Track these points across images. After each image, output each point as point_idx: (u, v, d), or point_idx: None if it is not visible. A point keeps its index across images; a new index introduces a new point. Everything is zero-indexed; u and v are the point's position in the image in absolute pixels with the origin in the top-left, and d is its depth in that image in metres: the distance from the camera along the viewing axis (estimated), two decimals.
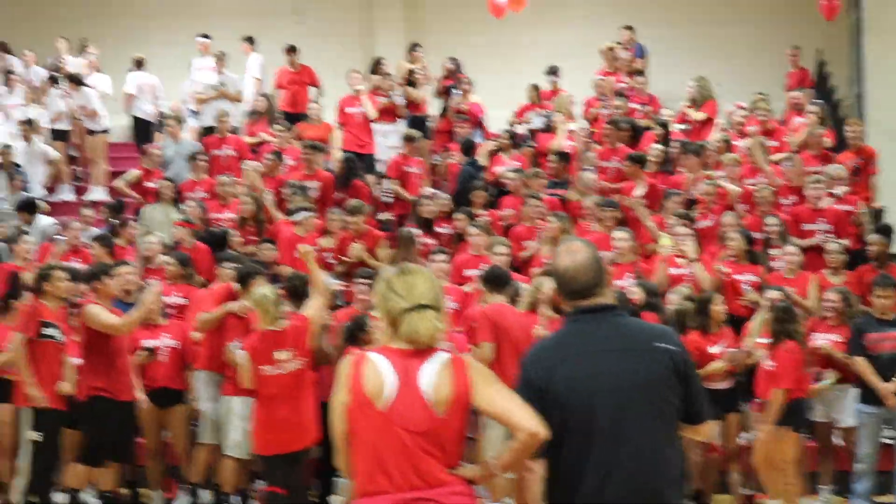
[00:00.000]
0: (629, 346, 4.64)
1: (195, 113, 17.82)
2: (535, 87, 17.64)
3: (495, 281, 10.24)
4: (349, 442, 4.59)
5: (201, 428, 10.94)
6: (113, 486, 10.58)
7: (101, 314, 9.95)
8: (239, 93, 17.75)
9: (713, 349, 10.61)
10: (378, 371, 4.55)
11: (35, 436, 9.87)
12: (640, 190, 13.81)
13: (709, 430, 5.04)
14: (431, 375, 4.54)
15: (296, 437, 9.44)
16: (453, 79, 17.64)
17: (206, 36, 18.49)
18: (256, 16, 21.11)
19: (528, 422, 4.45)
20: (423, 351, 4.59)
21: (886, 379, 10.44)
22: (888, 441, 10.97)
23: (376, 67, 17.36)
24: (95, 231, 13.97)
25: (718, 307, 10.81)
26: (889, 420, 10.66)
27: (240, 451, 10.37)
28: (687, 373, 4.68)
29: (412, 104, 17.22)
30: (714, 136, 15.53)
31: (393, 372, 4.54)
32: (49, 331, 9.95)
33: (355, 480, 4.59)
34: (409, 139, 15.64)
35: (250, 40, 18.60)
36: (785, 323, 10.16)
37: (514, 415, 4.48)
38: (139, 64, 18.60)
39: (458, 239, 13.58)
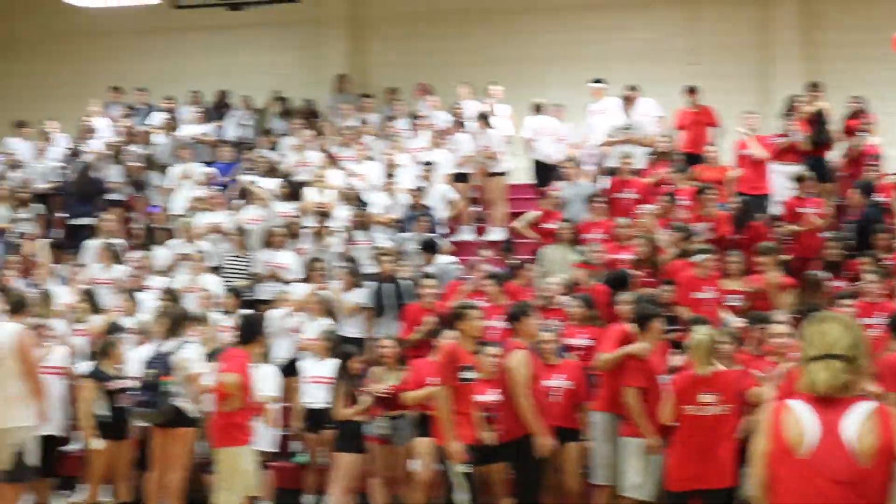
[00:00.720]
0: None
1: (592, 157, 18.02)
2: None
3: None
4: (769, 489, 4.59)
5: (597, 469, 11.07)
6: None
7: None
8: (645, 136, 17.83)
9: None
10: (799, 418, 4.54)
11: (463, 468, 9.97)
12: None
13: None
14: (855, 424, 4.49)
15: (710, 474, 9.46)
16: (859, 118, 17.15)
17: (598, 81, 18.70)
18: (652, 59, 21.24)
19: None
20: (846, 399, 4.54)
21: None
22: None
23: (791, 107, 17.12)
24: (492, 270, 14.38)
25: None
26: None
27: (639, 493, 10.42)
28: None
29: (818, 145, 16.83)
30: None
31: (815, 420, 4.52)
32: (466, 374, 10.06)
33: None
34: (799, 179, 15.38)
35: (634, 88, 18.60)
36: None
37: None
38: (538, 108, 19.02)
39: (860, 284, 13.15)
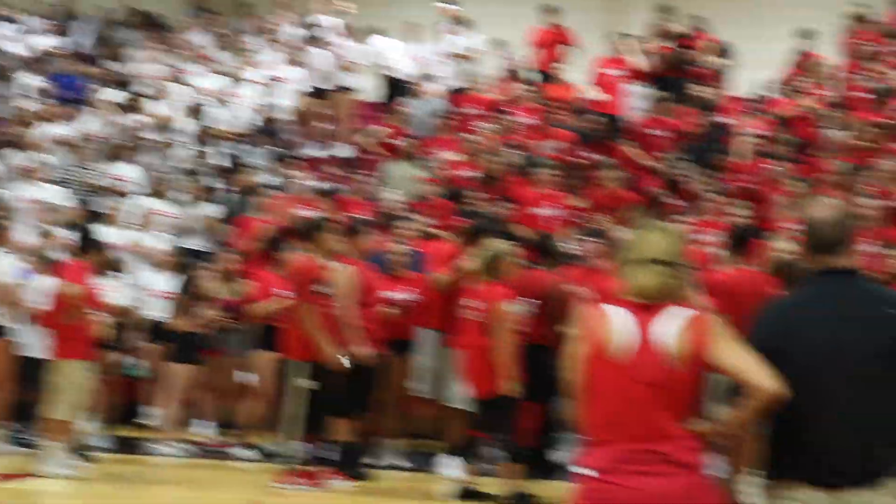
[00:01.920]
0: (866, 312, 4.57)
1: (436, 75, 18.00)
2: (800, 54, 17.22)
3: (740, 240, 9.92)
4: (583, 392, 4.69)
5: (422, 382, 11.23)
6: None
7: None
8: (476, 52, 17.87)
9: None
10: (616, 323, 4.60)
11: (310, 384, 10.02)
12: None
13: None
14: (670, 329, 4.56)
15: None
16: (697, 38, 17.50)
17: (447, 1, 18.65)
18: None
19: (767, 381, 4.41)
20: (661, 305, 4.63)
21: None
22: None
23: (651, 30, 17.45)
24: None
25: None
26: None
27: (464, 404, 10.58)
28: None
29: (672, 67, 17.11)
30: None
31: (631, 324, 4.60)
32: (319, 288, 10.04)
33: (587, 430, 4.67)
34: (654, 100, 15.66)
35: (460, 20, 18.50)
36: None
37: (751, 373, 4.44)
38: (384, 30, 18.92)
39: (699, 202, 13.43)
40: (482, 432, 9.77)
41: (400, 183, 14.36)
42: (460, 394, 10.28)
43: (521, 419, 10.37)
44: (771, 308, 4.81)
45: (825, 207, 4.72)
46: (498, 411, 9.59)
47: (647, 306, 4.59)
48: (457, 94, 16.70)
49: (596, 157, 14.34)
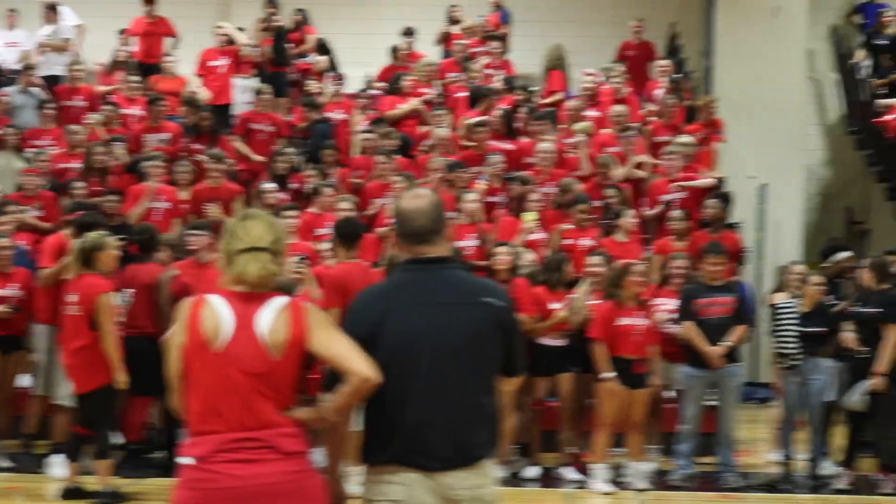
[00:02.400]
0: (457, 299, 4.72)
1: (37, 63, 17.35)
2: (396, 49, 17.67)
3: (350, 234, 10.01)
4: (184, 382, 4.65)
5: (37, 379, 10.96)
6: None
7: None
8: (67, 41, 17.43)
9: (555, 305, 10.89)
10: (216, 313, 4.61)
11: None
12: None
13: (516, 383, 5.22)
14: (269, 318, 4.60)
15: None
16: (300, 32, 17.65)
17: None
18: None
19: (363, 367, 4.52)
20: (261, 295, 4.66)
21: (713, 343, 10.74)
22: (712, 404, 11.27)
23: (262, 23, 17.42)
24: None
25: (568, 268, 11.14)
26: (714, 383, 10.97)
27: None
28: (510, 328, 4.82)
29: (276, 61, 17.18)
30: (570, 104, 15.67)
31: (231, 314, 4.60)
32: None
33: (189, 420, 4.65)
34: (257, 92, 15.69)
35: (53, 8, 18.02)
36: (610, 285, 10.53)
37: (347, 359, 4.54)
38: None
39: (308, 196, 13.61)
40: (84, 428, 9.57)
41: (3, 175, 13.80)
42: (68, 390, 10.06)
43: (129, 413, 10.27)
44: (363, 296, 4.89)
45: (416, 198, 4.87)
46: (98, 406, 9.46)
47: (248, 296, 4.65)
48: (60, 85, 16.18)
49: (203, 149, 14.25)
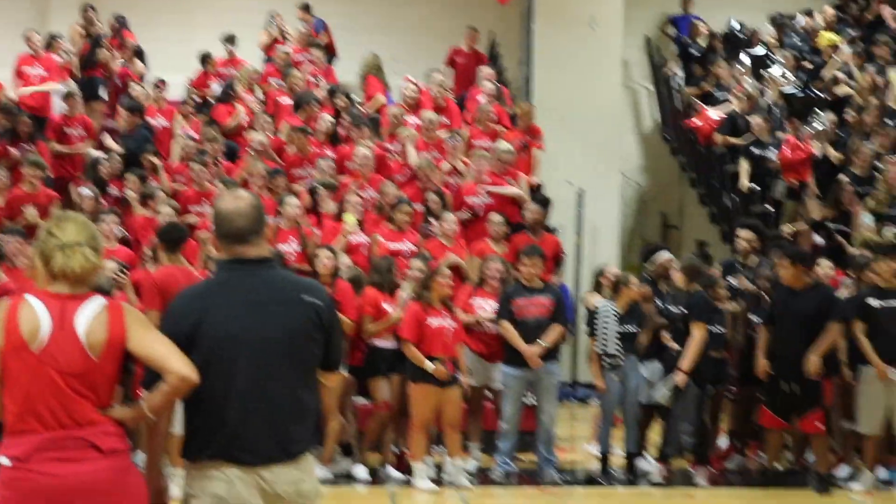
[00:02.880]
0: (276, 298, 4.80)
1: None
2: (207, 56, 17.61)
3: (173, 239, 9.93)
4: (2, 383, 4.64)
5: None
6: None
7: None
8: None
9: (388, 306, 11.06)
10: (34, 314, 4.61)
11: None
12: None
13: (337, 379, 5.33)
14: (88, 319, 4.63)
15: None
16: (118, 38, 17.56)
17: None
18: None
19: (181, 366, 4.58)
20: (79, 295, 4.67)
21: (530, 343, 10.98)
22: (530, 402, 11.53)
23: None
24: None
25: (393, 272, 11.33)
26: (532, 382, 11.22)
27: None
28: (331, 326, 4.90)
29: (89, 65, 16.99)
30: (392, 111, 15.83)
31: (48, 315, 4.61)
32: None
33: (6, 420, 4.64)
34: (67, 96, 15.57)
35: None
36: (420, 287, 10.71)
37: (166, 359, 4.60)
38: None
39: (126, 201, 13.50)
40: None
41: None
42: None
43: None
44: (182, 296, 4.95)
45: (235, 199, 4.95)
46: None
47: (66, 297, 4.66)
48: None
49: (18, 154, 14.06)
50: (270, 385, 4.73)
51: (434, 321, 10.65)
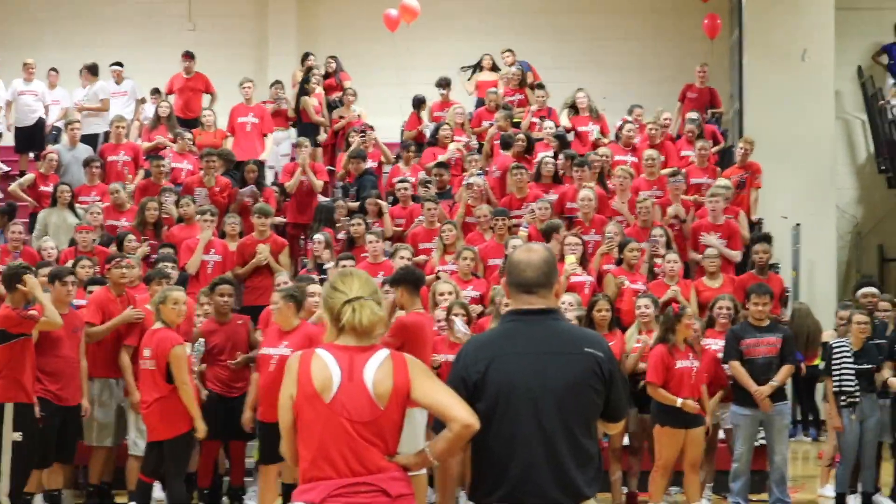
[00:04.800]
0: (560, 349, 4.96)
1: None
2: (423, 100, 18.01)
3: (416, 283, 9.96)
4: (296, 432, 4.92)
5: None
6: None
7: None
8: (104, 101, 17.80)
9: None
10: (325, 366, 4.90)
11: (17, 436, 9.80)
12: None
13: (620, 427, 5.47)
14: (374, 370, 4.89)
15: None
16: (334, 77, 18.14)
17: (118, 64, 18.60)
18: (146, 23, 21.22)
19: (464, 414, 4.79)
20: (366, 348, 4.95)
21: (760, 383, 10.91)
22: (762, 442, 11.44)
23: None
24: None
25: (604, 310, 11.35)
26: (763, 422, 11.14)
27: None
28: (612, 377, 5.02)
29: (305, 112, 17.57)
30: (602, 150, 15.94)
31: (338, 366, 4.88)
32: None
33: (301, 467, 4.93)
34: (296, 145, 16.01)
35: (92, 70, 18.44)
36: (664, 328, 10.70)
37: (450, 407, 4.82)
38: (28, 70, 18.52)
39: (351, 244, 13.87)
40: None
41: (58, 231, 14.21)
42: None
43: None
44: (471, 343, 5.18)
45: (527, 252, 5.13)
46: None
47: (354, 349, 4.93)
48: (107, 142, 16.54)
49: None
50: (553, 433, 4.88)
51: (680, 363, 10.65)
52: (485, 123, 17.31)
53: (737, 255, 13.59)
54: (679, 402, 10.45)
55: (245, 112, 16.83)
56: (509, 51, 18.72)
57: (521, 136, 16.01)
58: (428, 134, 17.24)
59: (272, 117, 17.09)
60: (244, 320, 11.21)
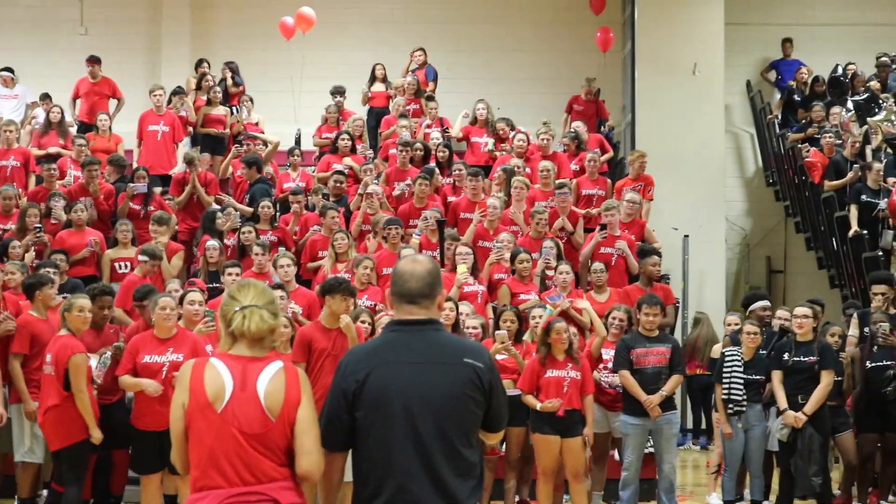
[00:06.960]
0: (440, 359, 4.96)
1: None
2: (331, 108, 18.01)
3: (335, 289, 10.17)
4: (187, 440, 4.89)
5: None
6: None
7: None
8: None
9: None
10: (218, 374, 4.87)
11: None
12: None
13: (498, 438, 5.49)
14: (266, 382, 4.88)
15: None
16: (234, 83, 18.13)
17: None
18: (38, 28, 20.91)
19: (310, 464, 4.87)
20: (259, 358, 4.93)
21: (649, 392, 11.04)
22: (651, 451, 11.58)
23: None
24: None
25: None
26: (652, 431, 11.26)
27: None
28: (492, 388, 5.03)
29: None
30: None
31: (230, 376, 4.86)
32: None
33: (192, 476, 4.90)
34: (187, 162, 15.85)
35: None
36: (540, 340, 10.86)
37: (308, 449, 4.88)
38: None
39: (242, 253, 13.80)
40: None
41: None
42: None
43: None
44: (350, 354, 5.16)
45: (412, 262, 5.15)
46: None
47: (247, 359, 4.91)
48: None
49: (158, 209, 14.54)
50: (430, 443, 4.88)
51: (552, 373, 10.73)
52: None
53: (636, 267, 13.74)
54: (538, 405, 10.60)
55: (156, 120, 16.71)
56: (421, 49, 18.76)
57: (419, 145, 16.09)
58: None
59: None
60: (115, 329, 11.20)
